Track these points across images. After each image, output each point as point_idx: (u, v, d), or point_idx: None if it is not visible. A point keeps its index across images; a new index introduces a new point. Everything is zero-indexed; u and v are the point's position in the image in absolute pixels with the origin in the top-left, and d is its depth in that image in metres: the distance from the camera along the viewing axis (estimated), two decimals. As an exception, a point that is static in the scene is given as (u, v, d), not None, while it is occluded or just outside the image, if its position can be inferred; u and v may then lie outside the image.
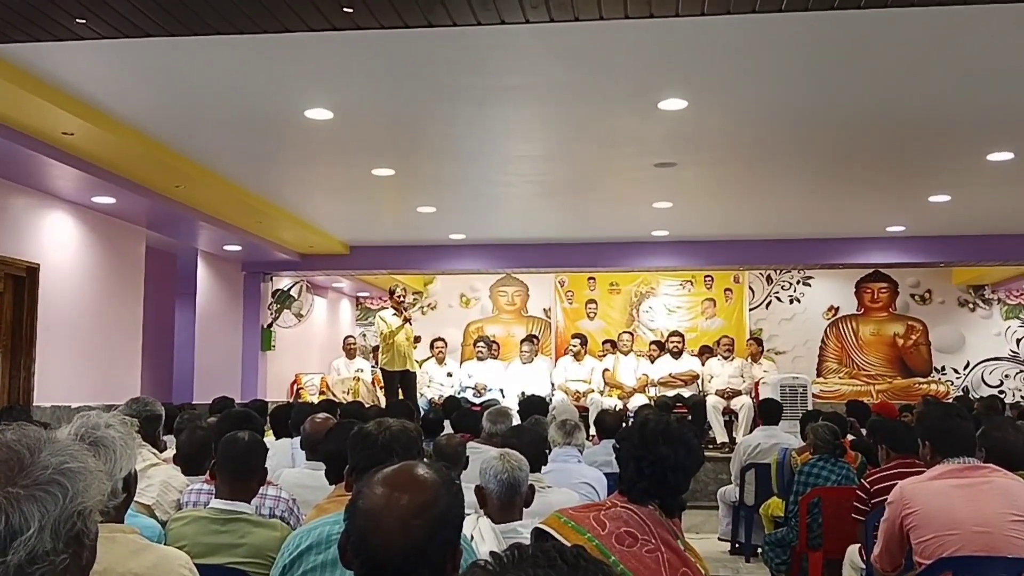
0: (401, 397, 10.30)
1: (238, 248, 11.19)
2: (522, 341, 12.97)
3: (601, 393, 11.68)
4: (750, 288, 14.92)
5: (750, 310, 14.88)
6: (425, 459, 2.59)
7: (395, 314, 10.69)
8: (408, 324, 10.64)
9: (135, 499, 2.67)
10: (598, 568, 1.17)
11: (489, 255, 12.24)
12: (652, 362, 12.16)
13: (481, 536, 3.24)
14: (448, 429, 6.81)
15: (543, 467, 4.71)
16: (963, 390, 14.10)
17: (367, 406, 8.60)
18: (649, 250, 11.96)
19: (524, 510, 3.60)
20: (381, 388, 12.90)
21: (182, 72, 5.73)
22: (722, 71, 5.72)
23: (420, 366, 12.17)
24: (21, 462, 1.31)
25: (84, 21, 4.78)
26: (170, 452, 5.09)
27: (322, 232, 11.29)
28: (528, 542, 2.93)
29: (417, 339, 11.13)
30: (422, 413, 9.30)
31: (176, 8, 4.65)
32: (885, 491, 4.03)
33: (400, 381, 10.56)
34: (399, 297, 10.83)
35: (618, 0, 4.58)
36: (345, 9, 4.63)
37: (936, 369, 14.57)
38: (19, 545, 1.25)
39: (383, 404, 10.62)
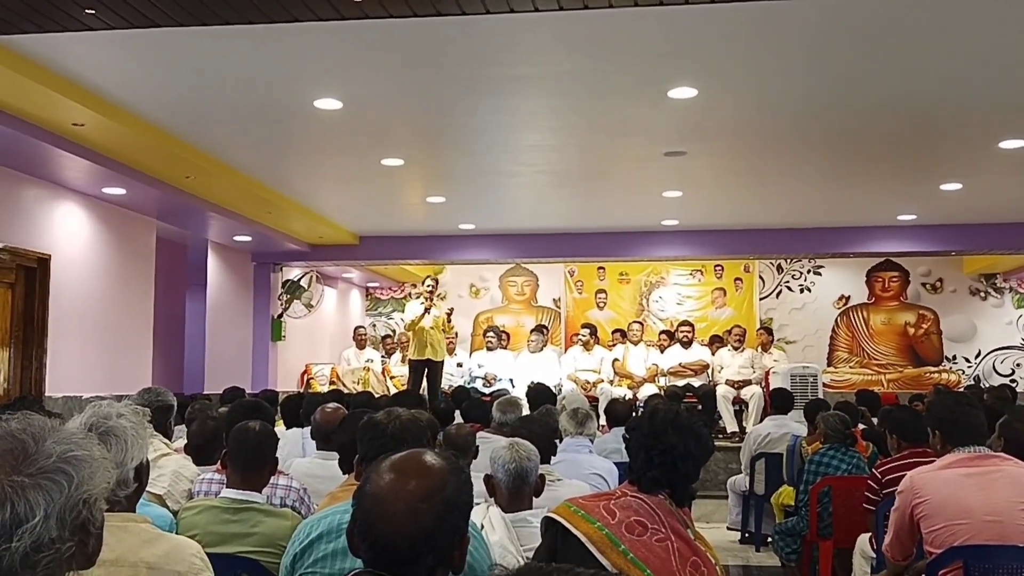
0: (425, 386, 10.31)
1: (248, 239, 11.21)
2: (532, 331, 12.97)
3: (611, 383, 11.68)
4: (760, 277, 14.88)
5: (760, 299, 14.85)
6: (435, 448, 2.59)
7: (422, 303, 10.69)
8: (428, 313, 10.61)
9: (147, 489, 2.67)
10: None
11: (498, 245, 12.23)
12: (662, 352, 12.14)
13: (491, 525, 3.24)
14: (458, 419, 6.81)
15: (553, 458, 4.70)
16: (974, 379, 14.05)
17: (377, 396, 8.61)
18: (659, 239, 11.94)
19: (534, 499, 3.59)
20: (391, 378, 12.94)
21: (191, 63, 5.73)
22: (732, 59, 5.70)
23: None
24: (26, 451, 1.31)
25: (93, 11, 4.78)
26: (181, 442, 5.10)
27: (332, 222, 11.29)
28: (537, 531, 2.93)
29: (450, 312, 10.94)
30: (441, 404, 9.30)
31: (185, -2, 4.64)
32: (896, 481, 4.02)
33: (427, 369, 10.52)
34: (428, 287, 10.80)
35: (627, -12, 4.56)
36: (354, -2, 4.61)
37: (947, 358, 14.52)
38: (24, 533, 1.25)
39: (392, 394, 10.61)
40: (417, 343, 10.52)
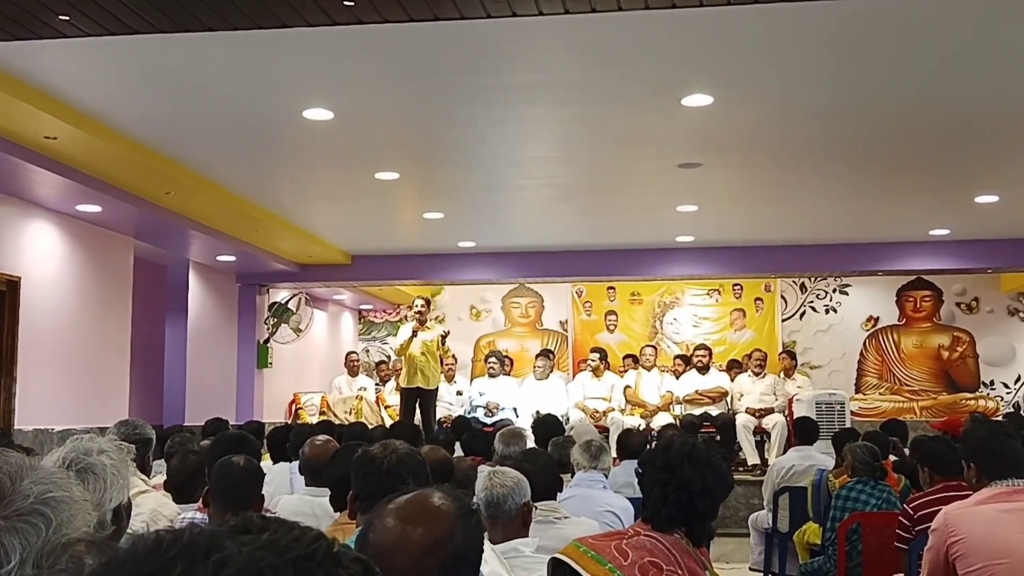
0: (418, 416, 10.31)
1: (232, 258, 11.23)
2: (537, 356, 12.94)
3: (622, 412, 11.65)
4: (782, 297, 14.88)
5: (783, 321, 14.84)
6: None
7: (412, 327, 10.70)
8: (415, 336, 10.61)
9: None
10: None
11: (501, 264, 12.24)
12: (677, 378, 12.12)
13: (483, 558, 3.25)
14: (458, 452, 6.81)
15: (560, 494, 4.69)
16: (1014, 406, 14.02)
17: (371, 427, 8.61)
18: (673, 257, 11.95)
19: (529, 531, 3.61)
20: (386, 408, 12.93)
21: (172, 72, 5.77)
22: (750, 64, 5.73)
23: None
24: (1, 491, 1.32)
25: (68, 18, 4.82)
26: (160, 478, 5.11)
27: (322, 241, 11.32)
28: (531, 560, 2.94)
29: (444, 335, 10.98)
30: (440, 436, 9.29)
31: (165, 3, 4.68)
32: (929, 517, 4.01)
33: (419, 399, 10.53)
34: (418, 308, 10.82)
35: (637, -10, 4.60)
36: (346, 3, 4.65)
37: (984, 384, 14.49)
38: None
39: (387, 425, 10.62)
40: (407, 370, 10.54)
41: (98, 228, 9.02)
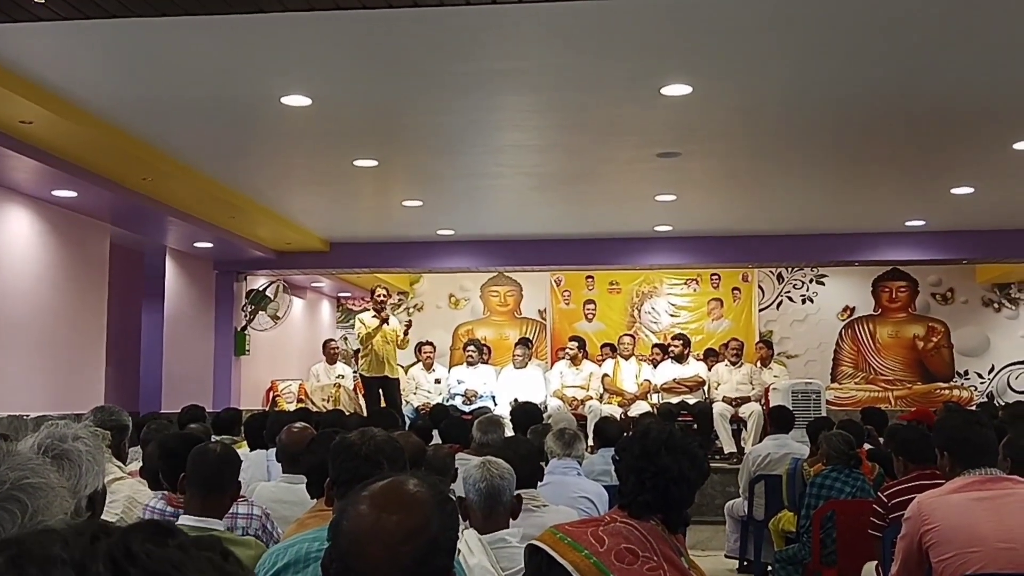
0: (383, 405, 10.31)
1: (210, 245, 11.18)
2: (515, 345, 12.95)
3: (600, 400, 11.69)
4: (760, 287, 14.95)
5: (760, 311, 14.91)
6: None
7: (374, 316, 10.70)
8: (386, 325, 10.63)
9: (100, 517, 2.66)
10: None
11: (480, 252, 12.24)
12: (655, 367, 12.16)
13: (469, 548, 3.25)
14: (436, 439, 6.82)
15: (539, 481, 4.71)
16: (987, 396, 14.14)
17: (347, 414, 8.61)
18: (651, 246, 11.98)
19: (512, 522, 3.61)
20: (364, 396, 12.92)
21: (149, 57, 5.73)
22: (730, 53, 5.74)
23: (405, 371, 12.17)
24: (-24, 477, 1.32)
25: (44, 1, 4.78)
26: (136, 465, 5.09)
27: (300, 228, 11.28)
28: (517, 550, 2.95)
29: (408, 325, 11.05)
30: (407, 422, 9.31)
31: (142, -13, 4.65)
32: (903, 505, 4.04)
33: (381, 388, 10.57)
34: (379, 297, 10.84)
35: (617, -21, 4.60)
36: (324, -11, 4.63)
37: (959, 373, 14.61)
38: None
39: (365, 412, 10.62)
40: (373, 358, 10.53)
41: (74, 214, 8.96)
